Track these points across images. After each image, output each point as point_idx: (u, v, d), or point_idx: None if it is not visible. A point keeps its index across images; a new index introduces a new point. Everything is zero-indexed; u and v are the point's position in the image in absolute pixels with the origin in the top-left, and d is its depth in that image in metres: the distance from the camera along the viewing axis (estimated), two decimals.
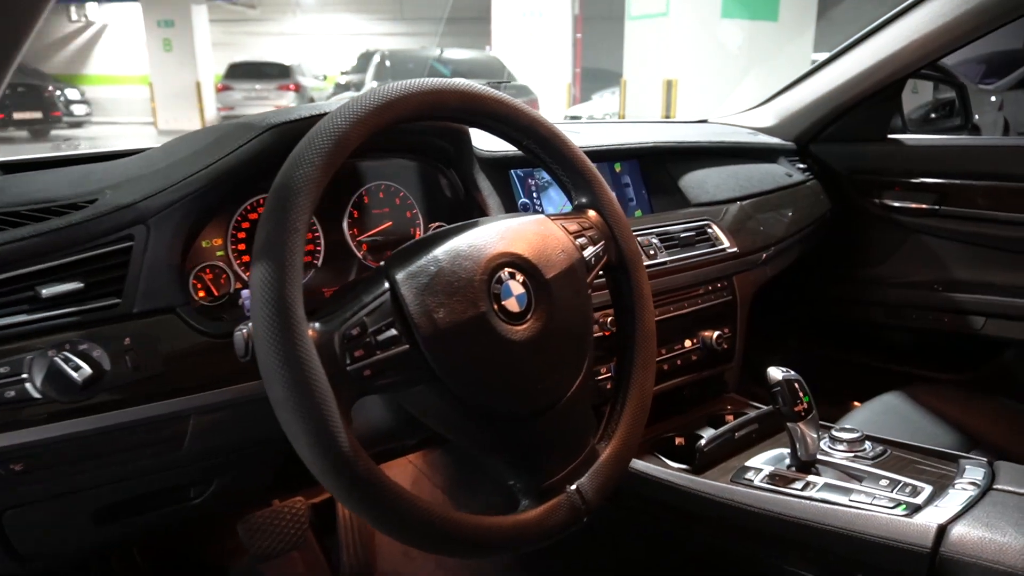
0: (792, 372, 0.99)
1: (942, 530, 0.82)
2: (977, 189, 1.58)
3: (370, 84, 7.93)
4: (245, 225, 0.88)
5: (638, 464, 1.06)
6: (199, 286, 0.84)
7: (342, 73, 12.87)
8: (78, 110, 12.82)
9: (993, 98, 6.84)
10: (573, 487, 0.71)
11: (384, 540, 1.48)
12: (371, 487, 0.58)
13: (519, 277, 0.69)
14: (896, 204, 1.70)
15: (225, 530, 1.30)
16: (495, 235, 0.71)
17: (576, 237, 0.78)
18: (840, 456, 1.03)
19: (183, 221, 0.78)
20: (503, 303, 0.67)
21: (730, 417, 1.21)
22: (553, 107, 10.23)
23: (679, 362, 1.19)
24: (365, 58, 9.30)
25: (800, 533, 0.90)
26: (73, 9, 16.62)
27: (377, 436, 0.87)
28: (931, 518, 0.84)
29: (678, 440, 1.16)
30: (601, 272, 0.83)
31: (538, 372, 0.69)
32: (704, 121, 1.90)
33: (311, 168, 0.60)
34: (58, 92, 12.63)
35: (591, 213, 0.82)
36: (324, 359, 0.57)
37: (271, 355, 0.55)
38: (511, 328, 0.67)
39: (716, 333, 1.21)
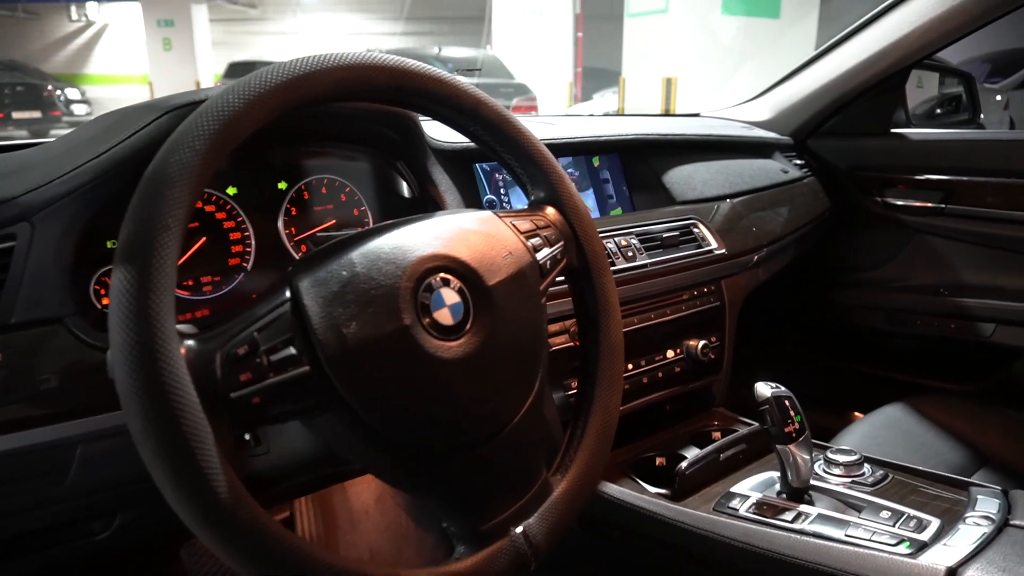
0: (782, 388, 0.89)
1: (952, 574, 0.71)
2: (986, 186, 1.47)
3: None
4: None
5: (612, 488, 0.96)
6: (104, 292, 0.73)
7: None
8: (78, 110, 12.75)
9: (999, 97, 6.74)
10: (519, 529, 0.61)
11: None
12: (255, 541, 0.47)
13: (454, 284, 0.59)
14: (899, 202, 1.59)
15: (168, 555, 1.20)
16: (427, 235, 0.60)
17: (529, 237, 0.68)
18: (836, 482, 0.93)
19: (75, 217, 0.68)
20: (433, 315, 0.57)
21: (717, 434, 1.11)
22: (554, 106, 10.13)
23: (660, 374, 1.08)
24: None
25: (789, 572, 0.79)
26: (73, 9, 16.56)
27: (312, 461, 0.76)
28: (939, 559, 0.74)
29: (659, 460, 1.06)
30: (563, 277, 0.73)
31: (476, 396, 0.59)
32: (697, 115, 1.80)
33: (190, 153, 0.50)
34: (58, 91, 12.56)
35: (549, 210, 0.72)
36: (200, 384, 0.47)
37: (126, 379, 0.45)
38: (442, 344, 0.57)
39: (702, 342, 1.11)
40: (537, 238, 0.68)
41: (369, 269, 0.56)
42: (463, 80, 0.67)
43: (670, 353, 1.10)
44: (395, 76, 0.62)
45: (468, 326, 0.59)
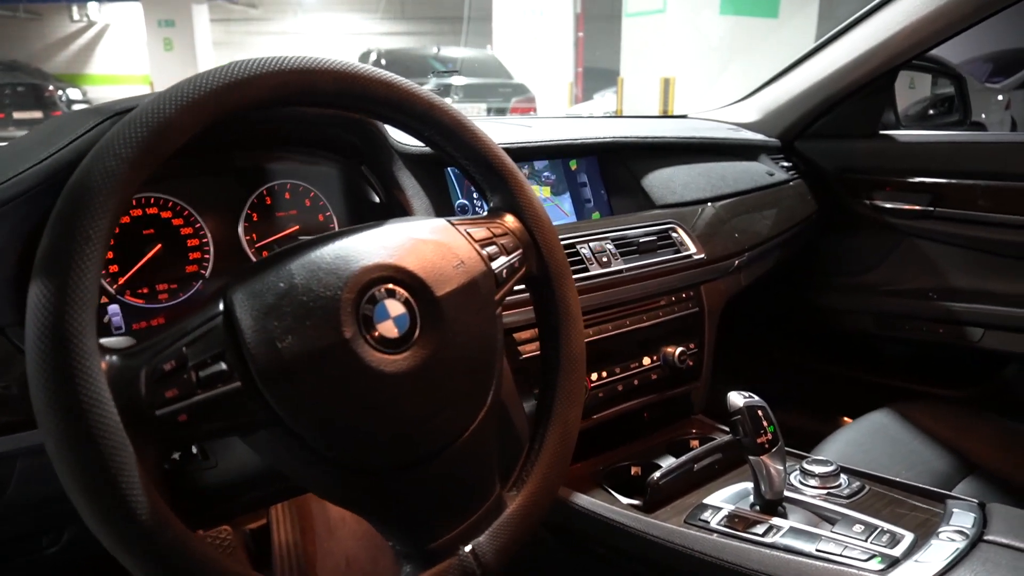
0: (756, 398, 0.87)
1: None
2: (975, 189, 1.45)
3: None
4: (115, 230, 0.76)
5: (583, 499, 0.94)
6: None
7: None
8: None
9: (1000, 97, 6.71)
10: (467, 548, 0.59)
11: (325, 568, 1.36)
12: (178, 564, 0.45)
13: (400, 295, 0.57)
14: (888, 205, 1.57)
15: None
16: (373, 245, 0.58)
17: (484, 245, 0.66)
18: (812, 493, 0.91)
19: (17, 226, 0.66)
20: (376, 327, 0.55)
21: (695, 443, 1.09)
22: (555, 106, 10.11)
23: (636, 382, 1.06)
24: (364, 58, 9.22)
25: None
26: (75, 9, 16.57)
27: (263, 476, 0.74)
28: (910, 575, 0.72)
29: (634, 470, 1.04)
30: (524, 286, 0.72)
31: (423, 410, 0.57)
32: (684, 116, 1.78)
33: (116, 162, 0.48)
34: (59, 92, 12.56)
35: (508, 218, 0.70)
36: (122, 401, 0.45)
37: (40, 397, 0.43)
38: (386, 358, 0.55)
39: (679, 349, 1.09)
40: (493, 246, 0.66)
41: (308, 280, 0.54)
42: (415, 85, 0.65)
43: (647, 360, 1.08)
44: (340, 80, 0.60)
45: (415, 338, 0.57)
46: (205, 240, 0.81)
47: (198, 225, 0.81)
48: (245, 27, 16.89)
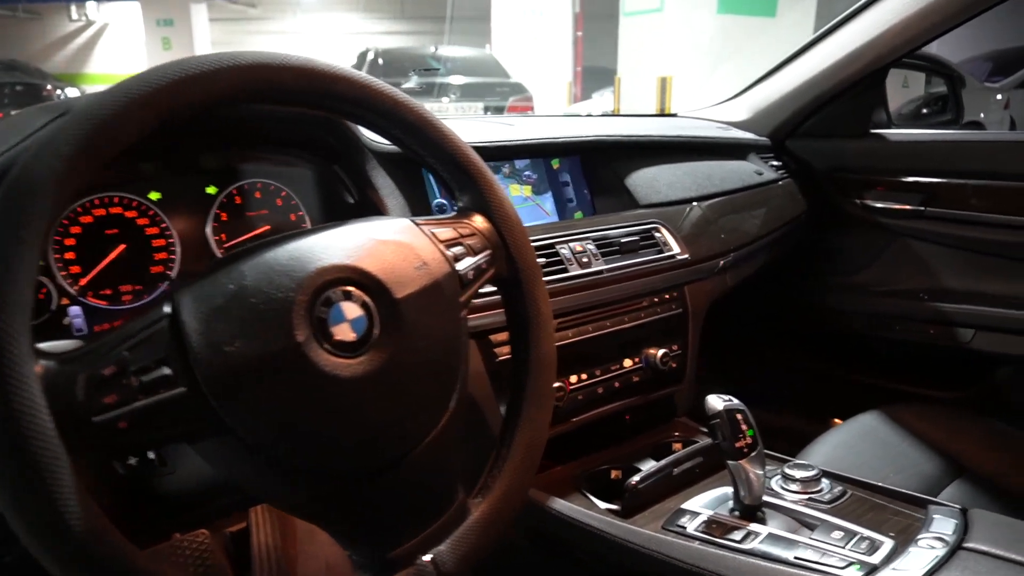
0: (735, 401, 0.85)
1: None
2: (967, 188, 1.43)
3: None
4: (75, 230, 0.74)
5: (560, 504, 0.92)
6: None
7: None
8: None
9: (999, 96, 6.70)
10: (427, 557, 0.57)
11: (307, 572, 1.35)
12: None
13: (358, 297, 0.55)
14: (879, 205, 1.55)
15: None
16: (330, 246, 0.56)
17: (450, 246, 0.64)
18: (793, 498, 0.89)
19: None
20: (331, 330, 0.53)
21: (678, 445, 1.08)
22: (554, 105, 10.08)
23: (617, 384, 1.05)
24: (362, 57, 9.20)
25: None
26: (73, 8, 16.56)
27: (223, 484, 0.73)
28: None
29: (614, 473, 1.02)
30: (495, 288, 0.70)
31: (380, 416, 0.55)
32: (674, 115, 1.76)
33: (56, 160, 0.46)
34: (58, 91, 12.53)
35: (477, 218, 0.68)
36: (57, 407, 0.44)
37: None
38: (342, 362, 0.53)
39: (662, 351, 1.07)
40: (459, 247, 0.65)
41: (259, 282, 0.52)
42: (380, 82, 0.63)
43: (628, 362, 1.06)
44: (302, 77, 0.58)
45: (373, 341, 0.55)
46: (171, 240, 0.80)
47: (164, 225, 0.79)
48: (244, 27, 16.87)
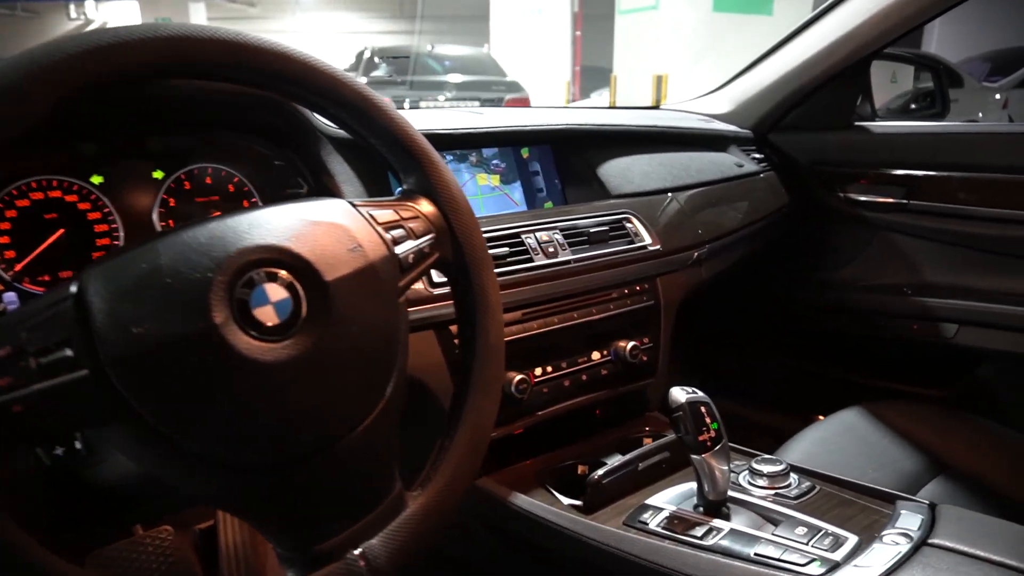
0: (700, 393, 0.83)
1: None
2: (951, 181, 1.41)
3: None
4: (10, 213, 0.72)
5: (521, 500, 0.90)
6: None
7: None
8: None
9: (998, 96, 6.68)
10: (357, 551, 0.55)
11: (276, 569, 1.32)
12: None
13: (284, 279, 0.53)
14: (862, 198, 1.52)
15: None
16: (256, 225, 0.54)
17: (389, 229, 0.62)
18: (760, 494, 0.87)
19: None
20: (253, 313, 0.51)
21: (648, 440, 1.05)
22: (552, 104, 10.06)
23: (585, 377, 1.02)
24: (360, 56, 9.19)
25: None
26: (72, 7, 16.55)
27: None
28: None
29: (581, 469, 1.00)
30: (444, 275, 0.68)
31: (305, 403, 0.53)
32: (656, 107, 1.74)
33: None
34: None
35: (422, 201, 0.66)
36: None
37: None
38: (263, 346, 0.51)
39: (631, 343, 1.05)
40: (400, 230, 0.62)
41: (175, 261, 0.50)
42: (317, 57, 0.61)
43: (596, 355, 1.03)
44: (228, 51, 0.55)
45: (299, 325, 0.52)
46: (115, 226, 0.77)
47: (107, 210, 0.77)
48: (243, 25, 16.85)
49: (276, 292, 0.52)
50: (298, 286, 0.53)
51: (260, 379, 0.50)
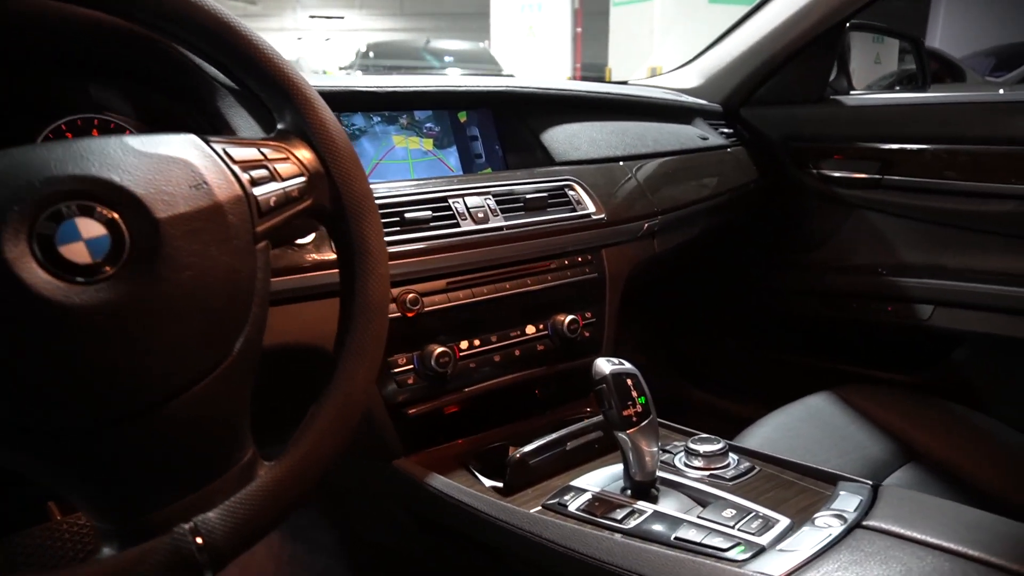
0: (627, 365, 0.76)
1: None
2: (926, 154, 1.34)
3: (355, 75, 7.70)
4: None
5: (439, 481, 0.83)
6: None
7: (340, 68, 12.68)
8: None
9: (1002, 91, 6.57)
10: (187, 525, 0.48)
11: None
12: None
13: (103, 215, 0.46)
14: (836, 174, 1.45)
15: None
16: (73, 154, 0.47)
17: (249, 169, 0.55)
18: (695, 475, 0.80)
19: None
20: (59, 250, 0.44)
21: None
22: None
23: (517, 352, 0.95)
24: (357, 53, 9.16)
25: None
26: None
27: None
28: (770, 567, 0.61)
29: (512, 450, 0.93)
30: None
31: (124, 356, 0.46)
32: (624, 83, 1.67)
33: None
34: None
35: (296, 142, 0.59)
36: None
37: None
38: (70, 288, 0.44)
39: (570, 317, 0.98)
40: (262, 170, 0.56)
41: None
42: None
43: (531, 329, 0.97)
44: None
45: (119, 266, 0.46)
46: None
47: None
48: (244, 23, 16.82)
49: (91, 228, 0.45)
50: (121, 223, 0.46)
51: (65, 325, 0.44)
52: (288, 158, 0.58)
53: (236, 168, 0.54)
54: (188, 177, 0.50)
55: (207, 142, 0.54)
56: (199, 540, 0.48)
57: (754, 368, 1.64)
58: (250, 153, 0.56)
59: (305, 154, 0.59)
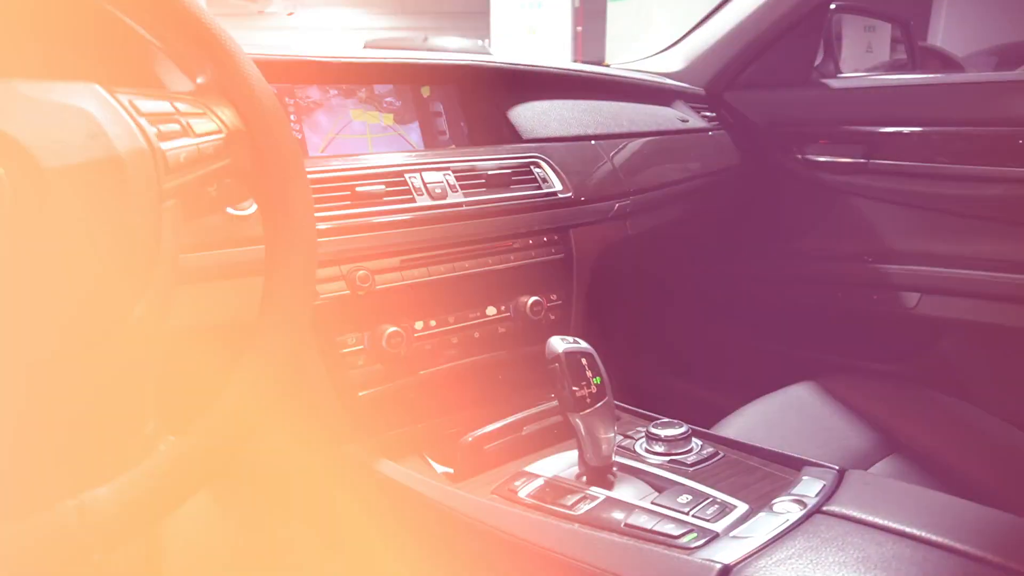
0: (583, 343, 0.72)
1: (726, 573, 0.54)
2: (912, 136, 1.30)
3: None
4: None
5: (388, 466, 0.79)
6: None
7: None
8: None
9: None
10: (72, 501, 0.44)
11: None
12: None
13: None
14: (821, 159, 1.41)
15: None
16: None
17: (157, 123, 0.51)
18: (655, 460, 0.76)
19: None
20: None
21: None
22: None
23: (477, 335, 0.91)
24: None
25: (549, 570, 0.63)
26: None
27: None
28: (721, 555, 0.57)
29: (464, 434, 0.89)
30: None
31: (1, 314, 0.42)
32: (607, 66, 1.62)
33: None
34: None
35: (218, 99, 0.56)
36: None
37: None
38: None
39: (533, 299, 0.94)
40: (173, 125, 0.52)
41: None
42: None
43: (492, 310, 0.93)
44: None
45: None
46: None
47: None
48: (244, 21, 16.83)
49: None
50: (2, 172, 0.43)
51: None
52: (205, 113, 0.54)
53: (143, 120, 0.50)
54: (84, 126, 0.47)
55: (112, 93, 0.51)
56: (85, 517, 0.44)
57: (736, 357, 1.60)
58: (160, 106, 0.52)
59: (225, 111, 0.55)
